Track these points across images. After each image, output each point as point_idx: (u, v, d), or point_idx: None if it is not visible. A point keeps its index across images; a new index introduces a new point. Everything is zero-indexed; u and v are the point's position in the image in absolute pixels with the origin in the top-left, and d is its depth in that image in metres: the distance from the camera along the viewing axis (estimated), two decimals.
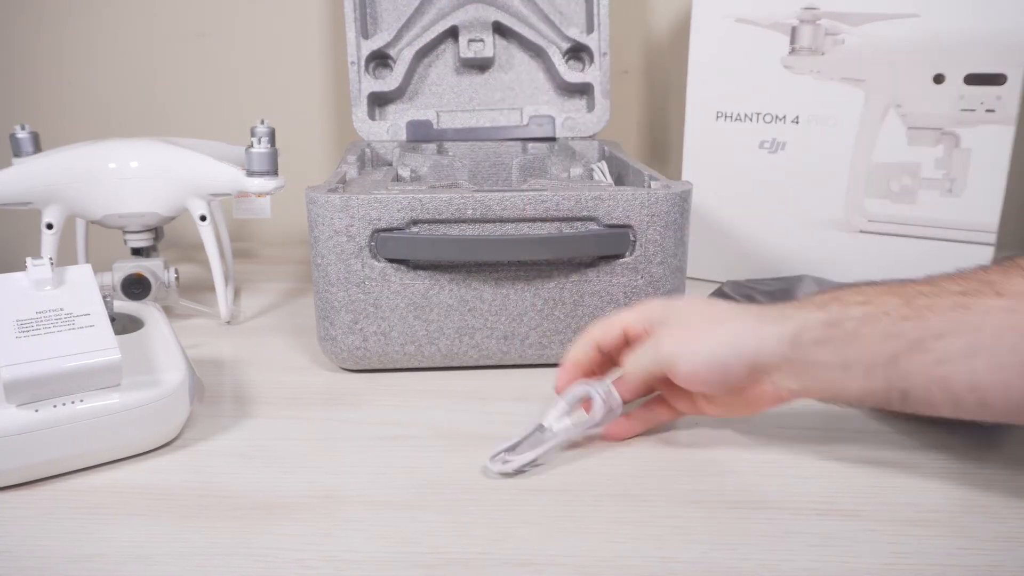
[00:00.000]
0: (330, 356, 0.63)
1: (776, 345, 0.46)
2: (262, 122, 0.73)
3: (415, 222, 0.59)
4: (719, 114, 0.81)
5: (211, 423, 0.56)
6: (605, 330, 0.52)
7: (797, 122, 0.79)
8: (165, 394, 0.51)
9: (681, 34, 0.94)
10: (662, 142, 1.02)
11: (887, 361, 0.43)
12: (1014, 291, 0.42)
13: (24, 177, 0.69)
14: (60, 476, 0.49)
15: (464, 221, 0.59)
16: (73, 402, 0.48)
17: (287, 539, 0.43)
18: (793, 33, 0.77)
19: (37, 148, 0.73)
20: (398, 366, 0.63)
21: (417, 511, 0.45)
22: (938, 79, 0.73)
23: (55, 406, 0.47)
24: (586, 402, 0.51)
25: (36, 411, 0.47)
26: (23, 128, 0.72)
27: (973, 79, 0.72)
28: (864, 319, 0.45)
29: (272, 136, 0.73)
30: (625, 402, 0.52)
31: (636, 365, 0.50)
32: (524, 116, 0.86)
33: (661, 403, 0.53)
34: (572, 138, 0.86)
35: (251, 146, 0.70)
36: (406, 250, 0.60)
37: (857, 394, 0.46)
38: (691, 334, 0.48)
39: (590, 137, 0.86)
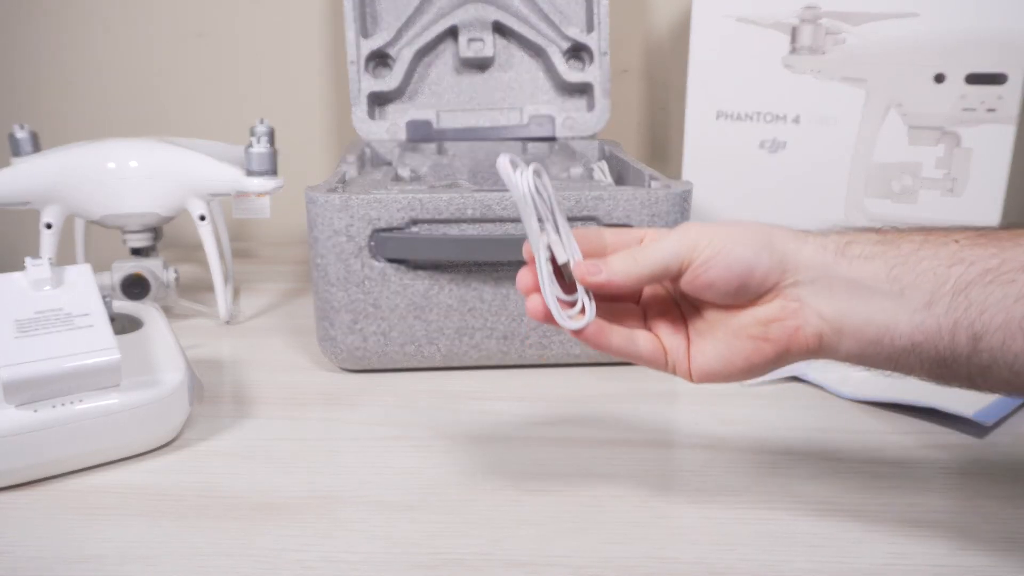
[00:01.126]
0: (330, 356, 0.63)
1: (818, 251, 0.38)
2: (261, 122, 0.73)
3: (415, 222, 0.59)
4: (719, 114, 0.81)
5: (211, 423, 0.55)
6: (619, 231, 0.43)
7: (798, 122, 0.78)
8: (164, 394, 0.51)
9: (681, 33, 0.94)
10: (662, 142, 1.02)
11: (955, 290, 0.35)
12: None
13: (23, 177, 0.69)
14: (60, 476, 0.49)
15: (464, 221, 0.59)
16: (72, 402, 0.48)
17: (287, 539, 0.43)
18: (794, 33, 0.77)
19: (36, 148, 0.73)
20: (398, 366, 0.63)
21: (417, 511, 0.45)
22: (939, 78, 0.73)
23: (54, 406, 0.47)
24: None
25: (35, 411, 0.47)
26: (22, 128, 0.72)
27: (974, 78, 0.72)
28: (924, 242, 0.37)
29: (271, 136, 0.73)
30: (615, 294, 0.43)
31: (653, 250, 0.40)
32: (524, 115, 0.86)
33: (649, 335, 0.43)
34: (572, 138, 0.86)
35: (250, 146, 0.70)
36: (406, 250, 0.60)
37: (909, 335, 0.36)
38: (719, 226, 0.40)
39: (590, 137, 0.86)
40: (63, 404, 0.47)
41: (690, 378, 0.41)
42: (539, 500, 0.46)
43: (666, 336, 0.42)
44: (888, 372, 0.39)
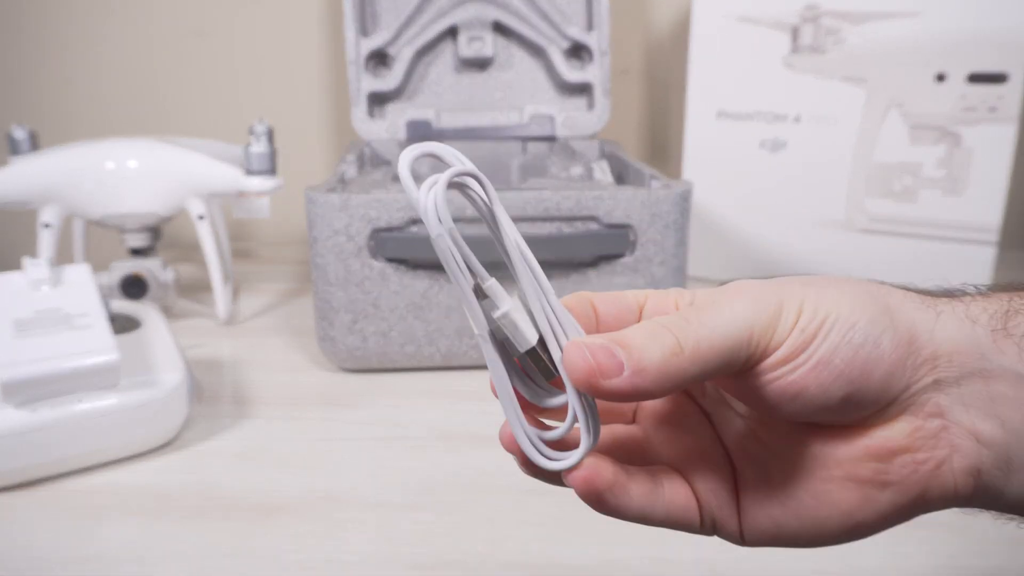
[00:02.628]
0: (329, 356, 0.63)
1: (964, 326, 0.24)
2: (260, 121, 0.73)
3: (414, 222, 0.59)
4: (720, 113, 0.81)
5: (210, 423, 0.55)
6: (606, 297, 0.27)
7: (798, 121, 0.78)
8: (163, 394, 0.51)
9: (682, 33, 0.94)
10: (662, 142, 1.02)
11: None
12: None
13: (22, 177, 0.69)
14: (60, 476, 0.49)
15: (463, 220, 0.59)
16: (71, 402, 0.48)
17: (287, 540, 0.43)
18: (794, 32, 0.77)
19: (35, 147, 0.73)
20: (397, 366, 0.63)
21: (416, 512, 0.45)
22: (940, 78, 0.73)
23: (54, 406, 0.47)
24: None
25: (34, 411, 0.47)
26: (21, 127, 0.72)
27: (975, 78, 0.72)
28: None
29: (270, 135, 0.73)
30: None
31: (716, 324, 0.23)
32: (524, 115, 0.86)
33: (672, 476, 0.27)
34: (572, 137, 0.86)
35: (249, 145, 0.70)
36: (405, 250, 0.59)
37: None
38: (803, 285, 0.24)
39: (590, 136, 0.86)
40: (62, 404, 0.47)
41: (742, 541, 0.28)
42: (539, 500, 0.46)
43: (697, 478, 0.27)
44: None
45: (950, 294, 0.25)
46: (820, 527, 0.26)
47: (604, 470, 0.25)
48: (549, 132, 0.86)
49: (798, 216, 0.80)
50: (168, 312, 0.75)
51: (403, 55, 0.84)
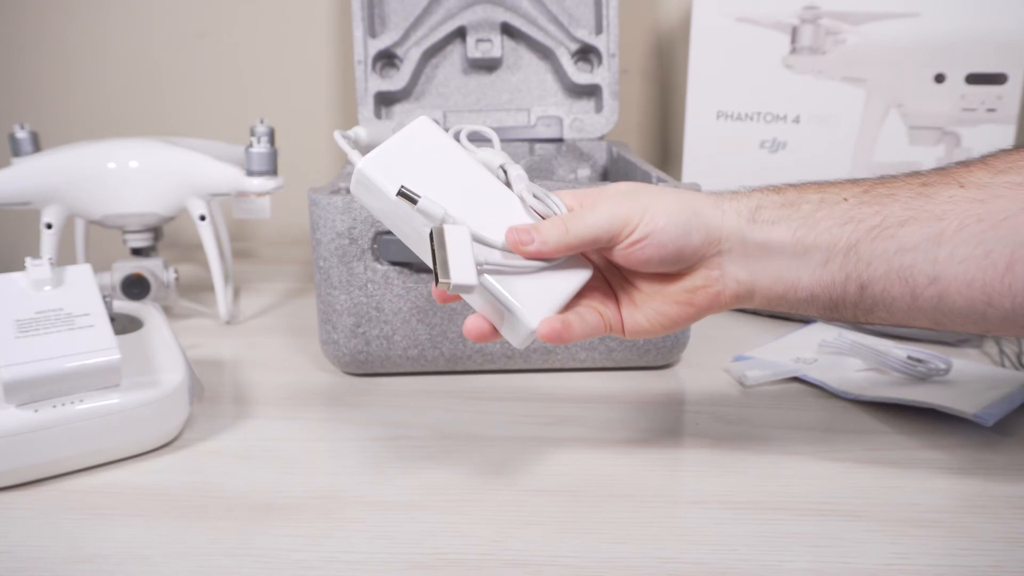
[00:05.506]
0: (332, 360, 0.63)
1: (735, 220, 0.43)
2: (261, 121, 0.73)
3: None
4: (720, 114, 0.81)
5: (211, 423, 0.55)
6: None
7: (798, 122, 0.78)
8: (164, 394, 0.51)
9: (682, 33, 0.94)
10: (663, 142, 1.02)
11: (847, 247, 0.41)
12: (977, 182, 0.40)
13: (23, 177, 0.69)
14: (60, 476, 0.49)
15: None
16: (73, 402, 0.48)
17: (287, 539, 0.43)
18: (794, 32, 0.77)
19: (37, 148, 0.73)
20: (401, 370, 0.63)
21: (417, 512, 0.45)
22: (939, 78, 0.73)
23: (55, 406, 0.47)
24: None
25: (36, 411, 0.47)
26: (22, 128, 0.72)
27: (974, 78, 0.72)
28: (821, 203, 0.42)
29: (272, 136, 0.73)
30: None
31: (586, 220, 0.42)
32: (532, 117, 0.86)
33: (590, 310, 0.46)
34: (580, 139, 0.86)
35: (250, 146, 0.70)
36: (409, 253, 0.59)
37: (809, 288, 0.42)
38: (648, 197, 0.43)
39: (598, 138, 0.86)
40: (63, 404, 0.47)
41: (623, 335, 0.46)
42: (539, 500, 0.46)
43: (599, 305, 0.46)
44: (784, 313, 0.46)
45: (734, 195, 0.44)
46: (660, 326, 0.45)
47: (554, 321, 0.42)
48: (557, 134, 0.86)
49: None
50: (169, 312, 0.75)
51: (411, 56, 0.84)
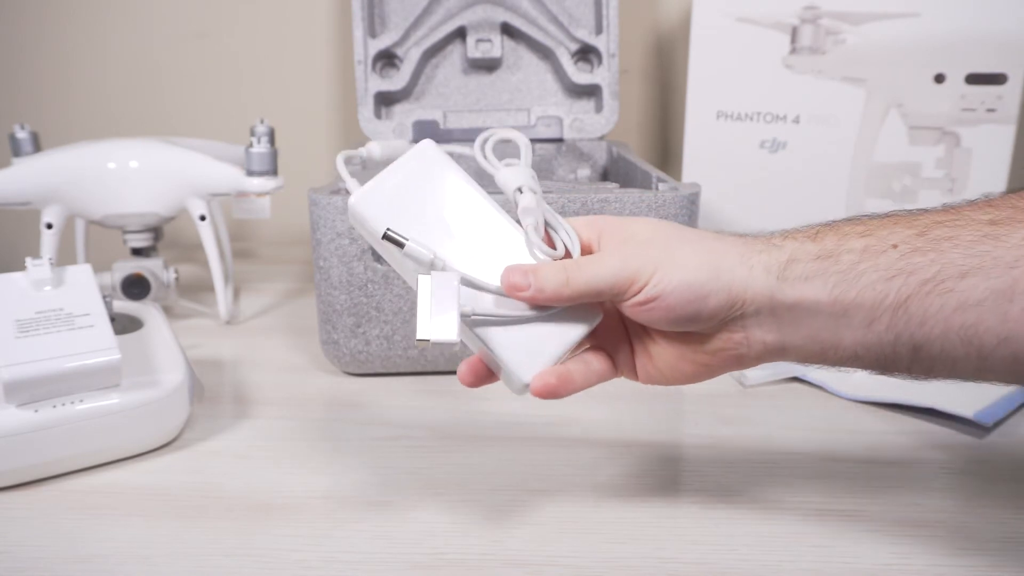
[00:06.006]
0: (332, 360, 0.63)
1: (763, 277, 0.37)
2: (261, 121, 0.73)
3: None
4: (720, 114, 0.81)
5: (211, 423, 0.55)
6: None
7: (798, 122, 0.78)
8: (165, 394, 0.51)
9: (682, 33, 0.94)
10: (663, 142, 1.02)
11: (895, 305, 0.35)
12: None
13: (24, 177, 0.69)
14: (60, 476, 0.49)
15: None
16: (73, 402, 0.48)
17: (287, 539, 0.43)
18: (794, 33, 0.77)
19: (37, 148, 0.73)
20: (401, 370, 0.63)
21: (417, 511, 0.45)
22: (939, 79, 0.73)
23: (55, 406, 0.47)
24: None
25: (36, 411, 0.47)
26: (23, 128, 0.72)
27: (974, 79, 0.72)
28: (866, 252, 0.36)
29: (272, 136, 0.73)
30: None
31: (590, 271, 0.38)
32: (532, 117, 0.86)
33: (598, 354, 0.42)
34: (580, 139, 0.86)
35: (250, 146, 0.70)
36: None
37: (852, 349, 0.37)
38: (664, 250, 0.38)
39: (599, 138, 0.86)
40: (63, 404, 0.47)
41: (636, 379, 0.43)
42: (539, 500, 0.46)
43: (611, 347, 0.42)
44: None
45: (766, 241, 0.39)
46: (674, 378, 0.41)
47: (548, 376, 0.39)
48: (557, 134, 0.86)
49: (798, 216, 0.80)
50: (169, 312, 0.75)
51: (411, 56, 0.84)
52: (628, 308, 0.38)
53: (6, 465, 0.46)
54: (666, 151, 1.02)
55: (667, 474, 0.49)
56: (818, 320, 0.37)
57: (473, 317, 0.38)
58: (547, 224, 0.41)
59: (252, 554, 0.42)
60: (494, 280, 0.39)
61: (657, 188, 0.63)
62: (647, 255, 0.38)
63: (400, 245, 0.38)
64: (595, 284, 0.38)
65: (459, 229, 0.40)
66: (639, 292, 0.37)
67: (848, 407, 0.57)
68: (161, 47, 0.99)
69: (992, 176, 0.73)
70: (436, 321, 0.37)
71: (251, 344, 0.70)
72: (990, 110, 0.72)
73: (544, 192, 0.60)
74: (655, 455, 0.51)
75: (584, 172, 0.74)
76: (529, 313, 0.39)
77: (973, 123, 0.73)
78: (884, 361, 0.37)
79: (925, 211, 0.37)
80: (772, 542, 0.42)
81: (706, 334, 0.39)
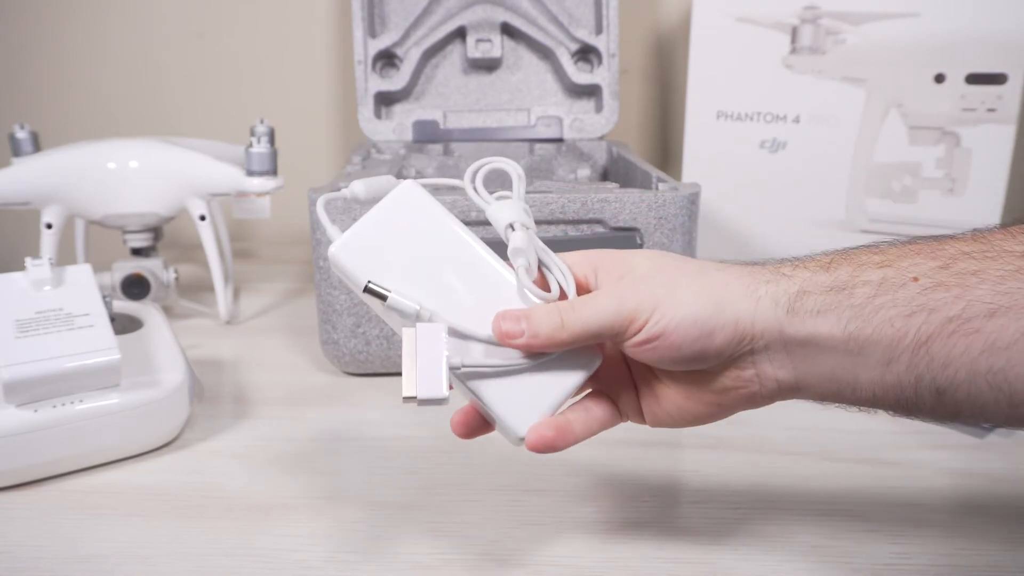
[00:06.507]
0: (332, 360, 0.63)
1: (771, 311, 0.35)
2: (261, 122, 0.73)
3: None
4: (720, 114, 0.81)
5: (211, 423, 0.55)
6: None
7: (798, 122, 0.78)
8: (165, 394, 0.51)
9: (682, 33, 0.94)
10: (663, 142, 1.02)
11: (915, 344, 0.32)
12: None
13: (23, 177, 0.69)
14: (60, 476, 0.49)
15: (468, 224, 0.59)
16: (72, 402, 0.48)
17: (287, 539, 0.43)
18: (794, 32, 0.77)
19: (36, 148, 0.73)
20: (400, 371, 0.63)
21: (417, 511, 0.45)
22: (939, 78, 0.73)
23: (55, 406, 0.47)
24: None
25: (36, 411, 0.47)
26: (22, 128, 0.72)
27: (974, 78, 0.72)
28: (883, 285, 0.33)
29: (271, 136, 0.73)
30: None
31: (585, 313, 0.36)
32: (531, 117, 0.86)
33: (600, 400, 0.39)
34: (580, 139, 0.86)
35: (250, 146, 0.70)
36: None
37: (870, 390, 0.34)
38: (664, 285, 0.36)
39: (598, 138, 0.86)
40: (63, 404, 0.47)
41: (644, 423, 0.40)
42: (539, 500, 0.46)
43: (614, 392, 0.40)
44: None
45: (774, 271, 0.36)
46: (684, 420, 0.38)
47: (545, 429, 0.37)
48: (557, 134, 0.86)
49: (798, 216, 0.80)
50: (169, 312, 0.75)
51: (411, 56, 0.84)
52: (630, 348, 0.36)
53: (6, 465, 0.46)
54: (666, 151, 1.02)
55: (667, 474, 0.49)
56: (833, 357, 0.34)
57: (463, 369, 0.36)
58: (540, 263, 0.39)
59: (252, 554, 0.42)
60: (485, 328, 0.36)
61: (657, 188, 0.63)
62: (646, 291, 0.35)
63: (383, 298, 0.36)
64: (592, 326, 0.35)
65: (446, 274, 0.38)
66: (640, 331, 0.35)
67: (848, 407, 0.57)
68: (161, 47, 0.99)
69: (992, 176, 0.73)
70: (423, 377, 0.35)
71: (251, 344, 0.70)
72: (990, 110, 0.72)
73: (544, 192, 0.60)
74: (655, 455, 0.51)
75: (584, 172, 0.74)
76: (523, 361, 0.36)
77: (973, 123, 0.73)
78: (906, 404, 0.34)
79: (951, 238, 0.34)
80: (772, 542, 0.42)
81: (714, 372, 0.36)
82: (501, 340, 0.36)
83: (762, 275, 0.36)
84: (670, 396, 0.38)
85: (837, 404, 0.37)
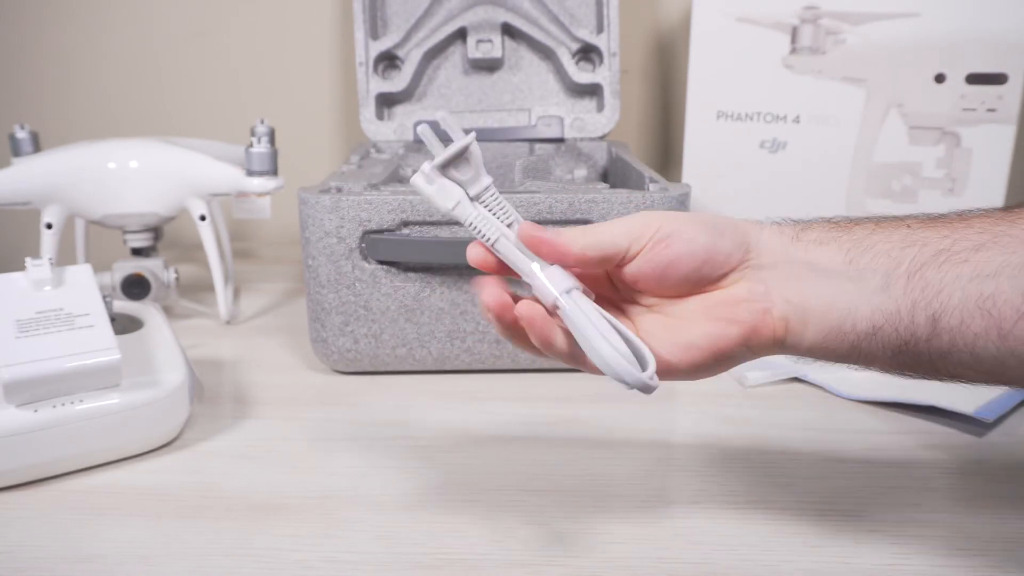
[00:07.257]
0: (321, 358, 0.63)
1: (775, 236, 0.39)
2: (262, 122, 0.73)
3: (406, 224, 0.59)
4: (720, 114, 0.81)
5: (211, 423, 0.55)
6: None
7: (798, 122, 0.78)
8: (165, 394, 0.51)
9: (682, 33, 0.94)
10: (663, 142, 1.02)
11: (910, 271, 0.36)
12: None
13: (23, 177, 0.69)
14: (60, 476, 0.49)
15: (455, 223, 0.59)
16: (73, 402, 0.48)
17: (287, 539, 0.43)
18: (794, 33, 0.77)
19: (37, 148, 0.73)
20: (389, 369, 0.63)
21: (417, 511, 0.45)
22: (939, 78, 0.73)
23: (55, 406, 0.47)
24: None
25: (36, 411, 0.47)
26: (22, 128, 0.72)
27: (974, 78, 0.72)
28: (878, 227, 0.38)
29: (272, 136, 0.73)
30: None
31: (605, 228, 0.38)
32: (532, 117, 0.86)
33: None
34: (580, 139, 0.86)
35: (251, 146, 0.70)
36: (396, 252, 0.59)
37: (869, 318, 0.36)
38: (674, 212, 0.40)
39: (599, 138, 0.86)
40: (63, 404, 0.47)
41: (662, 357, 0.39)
42: (539, 500, 0.46)
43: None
44: (851, 364, 0.39)
45: (771, 222, 0.40)
46: (694, 359, 0.38)
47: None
48: (557, 134, 0.86)
49: (798, 216, 0.80)
50: (169, 312, 0.75)
51: (412, 57, 0.84)
52: (646, 254, 0.38)
53: (6, 465, 0.46)
54: (666, 151, 1.02)
55: (667, 474, 0.49)
56: (835, 283, 0.37)
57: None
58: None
59: (252, 554, 0.42)
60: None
61: (648, 188, 0.63)
62: (654, 214, 0.39)
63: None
64: (612, 237, 0.38)
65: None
66: (655, 232, 0.38)
67: (848, 407, 0.57)
68: (161, 47, 0.99)
69: (992, 176, 0.73)
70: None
71: (251, 344, 0.70)
72: (990, 110, 0.72)
73: (532, 192, 0.60)
74: (655, 455, 0.51)
75: (581, 172, 0.74)
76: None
77: (973, 123, 0.73)
78: (903, 336, 0.36)
79: (939, 215, 0.38)
80: (772, 542, 0.42)
81: (725, 282, 0.39)
82: (528, 237, 0.37)
83: (764, 224, 0.41)
84: (679, 328, 0.38)
85: (837, 348, 0.38)
